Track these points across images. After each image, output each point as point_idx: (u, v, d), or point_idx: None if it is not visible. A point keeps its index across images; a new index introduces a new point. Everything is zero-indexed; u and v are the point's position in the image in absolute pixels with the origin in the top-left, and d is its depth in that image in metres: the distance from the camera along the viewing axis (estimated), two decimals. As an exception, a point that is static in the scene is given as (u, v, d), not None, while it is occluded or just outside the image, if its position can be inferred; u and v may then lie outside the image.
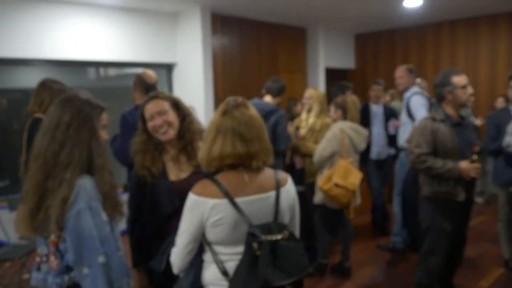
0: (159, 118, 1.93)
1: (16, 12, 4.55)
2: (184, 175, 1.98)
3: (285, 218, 1.58)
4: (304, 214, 4.27)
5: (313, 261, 3.85)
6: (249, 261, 1.41)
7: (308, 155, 3.93)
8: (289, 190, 1.62)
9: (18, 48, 4.57)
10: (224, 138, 1.50)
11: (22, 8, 4.58)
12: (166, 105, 1.96)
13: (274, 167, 1.65)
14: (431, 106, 3.91)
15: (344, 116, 3.71)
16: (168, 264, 1.66)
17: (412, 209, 4.16)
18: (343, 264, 3.85)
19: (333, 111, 3.77)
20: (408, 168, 4.12)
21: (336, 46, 7.88)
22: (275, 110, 3.69)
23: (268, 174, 1.58)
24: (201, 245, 1.57)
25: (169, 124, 1.94)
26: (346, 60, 8.20)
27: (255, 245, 1.41)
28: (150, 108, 1.95)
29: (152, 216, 1.97)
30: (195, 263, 1.59)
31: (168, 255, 1.67)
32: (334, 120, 3.76)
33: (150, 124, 1.94)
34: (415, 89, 4.12)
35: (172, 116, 1.95)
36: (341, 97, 3.99)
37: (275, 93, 3.82)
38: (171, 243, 1.69)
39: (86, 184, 1.54)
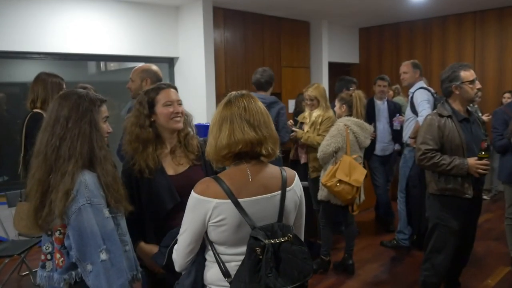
0: (179, 107, 1.98)
1: (16, 5, 4.49)
2: (182, 168, 1.96)
3: (290, 219, 1.53)
4: (308, 210, 4.26)
5: (316, 258, 3.81)
6: (252, 265, 1.36)
7: (310, 148, 3.88)
8: (296, 189, 1.56)
9: (17, 42, 4.51)
10: (231, 125, 1.46)
11: (22, 1, 4.52)
12: (179, 97, 2.03)
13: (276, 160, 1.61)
14: (435, 101, 3.84)
15: (350, 112, 3.64)
16: (170, 259, 1.62)
17: (416, 205, 4.13)
18: (346, 261, 3.80)
19: (338, 106, 3.70)
20: (412, 164, 4.09)
21: (340, 40, 7.78)
22: (276, 101, 3.71)
23: (274, 172, 1.53)
24: (203, 243, 1.53)
25: (183, 114, 2.00)
26: (350, 55, 8.11)
27: (257, 249, 1.35)
28: (170, 95, 1.98)
29: (152, 212, 1.93)
30: (197, 262, 1.55)
31: (170, 250, 1.62)
32: (339, 116, 3.69)
33: (168, 110, 1.94)
34: (420, 83, 4.04)
35: (183, 108, 2.02)
36: (346, 92, 3.91)
37: (266, 87, 3.85)
38: (174, 238, 1.65)
39: (87, 180, 1.53)
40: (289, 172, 1.57)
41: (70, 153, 1.53)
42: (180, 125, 1.97)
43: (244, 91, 1.56)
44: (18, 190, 3.28)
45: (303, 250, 1.44)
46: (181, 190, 1.85)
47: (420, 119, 3.77)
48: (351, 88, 4.45)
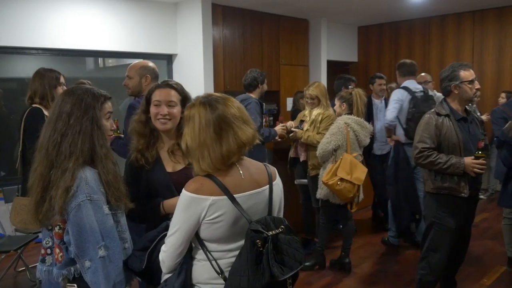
0: (166, 108, 1.93)
1: (14, 0, 4.46)
2: (180, 166, 1.96)
3: (276, 212, 1.58)
4: (307, 208, 4.28)
5: (314, 254, 3.81)
6: (253, 257, 1.37)
7: (310, 146, 3.88)
8: (279, 183, 1.61)
9: (15, 37, 4.49)
10: (231, 128, 1.45)
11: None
12: (176, 97, 1.97)
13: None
14: (411, 100, 3.99)
15: (350, 110, 3.64)
16: (149, 262, 1.60)
17: (394, 204, 4.23)
18: (343, 260, 3.80)
19: (338, 104, 3.70)
20: (390, 161, 4.19)
21: (339, 39, 7.77)
22: (246, 98, 3.83)
23: (259, 167, 1.57)
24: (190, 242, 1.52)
25: (172, 116, 1.93)
26: (349, 53, 8.10)
27: (258, 241, 1.38)
28: (161, 95, 1.95)
29: (151, 208, 1.92)
30: (186, 262, 1.54)
31: (150, 253, 1.61)
32: (339, 114, 3.69)
33: (154, 110, 1.93)
34: (406, 83, 4.14)
35: (177, 110, 1.95)
36: (346, 91, 3.91)
37: (249, 89, 3.94)
38: (151, 241, 1.63)
39: (87, 176, 1.53)
40: (271, 167, 1.62)
41: (71, 150, 1.53)
42: (165, 127, 1.93)
43: (213, 94, 1.55)
44: (15, 186, 3.26)
45: (295, 239, 1.48)
46: (178, 187, 1.82)
47: (385, 118, 4.10)
48: (350, 87, 4.45)
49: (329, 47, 7.34)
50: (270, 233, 1.41)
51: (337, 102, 3.73)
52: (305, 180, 4.04)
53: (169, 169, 1.95)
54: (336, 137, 3.50)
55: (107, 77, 5.99)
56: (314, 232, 4.18)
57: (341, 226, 4.03)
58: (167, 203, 1.89)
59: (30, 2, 4.56)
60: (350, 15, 7.14)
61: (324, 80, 7.05)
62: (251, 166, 1.54)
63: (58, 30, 4.77)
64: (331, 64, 7.41)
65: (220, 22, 5.90)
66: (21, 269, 3.84)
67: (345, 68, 7.97)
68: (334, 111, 3.83)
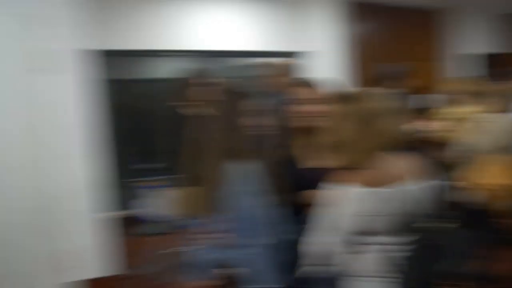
0: (306, 106, 1.97)
1: (159, 6, 4.93)
2: (319, 162, 1.97)
3: (427, 209, 1.54)
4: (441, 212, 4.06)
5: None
6: (423, 253, 1.38)
7: (445, 146, 3.69)
8: (419, 180, 1.55)
9: (161, 40, 4.96)
10: (376, 122, 1.49)
11: (164, 2, 4.95)
12: (316, 95, 2.02)
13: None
14: None
15: (507, 108, 3.35)
16: (293, 254, 1.65)
17: None
18: (487, 271, 3.53)
19: (490, 101, 3.43)
20: None
21: (482, 29, 7.04)
22: (384, 93, 3.70)
23: (405, 162, 1.55)
24: (347, 233, 1.54)
25: (317, 114, 1.95)
26: (495, 45, 7.30)
27: (425, 235, 1.38)
28: (300, 93, 2.01)
29: (292, 200, 1.98)
30: (335, 255, 1.55)
31: (293, 245, 1.67)
32: (492, 112, 3.39)
33: (299, 108, 1.99)
34: None
35: (318, 108, 1.96)
36: (503, 85, 3.61)
37: (379, 83, 3.94)
38: (295, 232, 1.69)
39: (240, 169, 1.66)
40: (413, 162, 1.57)
41: (219, 145, 1.68)
42: (306, 125, 1.96)
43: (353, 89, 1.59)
44: (179, 175, 3.66)
45: (460, 234, 1.47)
46: (317, 182, 1.83)
47: None
48: (507, 81, 4.04)
49: (474, 39, 6.72)
50: (433, 225, 1.40)
51: (488, 99, 3.47)
52: (439, 182, 3.85)
53: (308, 165, 2.00)
54: (479, 136, 3.27)
55: (242, 75, 6.34)
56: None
57: (480, 233, 3.76)
58: (308, 194, 1.91)
59: (171, 6, 4.98)
60: (491, 2, 6.46)
61: (468, 74, 6.49)
62: (396, 161, 1.53)
63: (197, 32, 5.16)
64: (481, 57, 6.75)
65: (353, 18, 5.83)
66: (175, 250, 4.24)
67: (500, 61, 7.17)
68: (485, 109, 3.57)
